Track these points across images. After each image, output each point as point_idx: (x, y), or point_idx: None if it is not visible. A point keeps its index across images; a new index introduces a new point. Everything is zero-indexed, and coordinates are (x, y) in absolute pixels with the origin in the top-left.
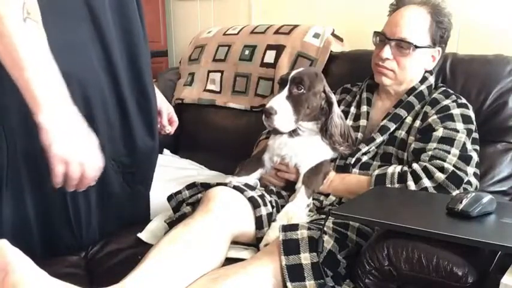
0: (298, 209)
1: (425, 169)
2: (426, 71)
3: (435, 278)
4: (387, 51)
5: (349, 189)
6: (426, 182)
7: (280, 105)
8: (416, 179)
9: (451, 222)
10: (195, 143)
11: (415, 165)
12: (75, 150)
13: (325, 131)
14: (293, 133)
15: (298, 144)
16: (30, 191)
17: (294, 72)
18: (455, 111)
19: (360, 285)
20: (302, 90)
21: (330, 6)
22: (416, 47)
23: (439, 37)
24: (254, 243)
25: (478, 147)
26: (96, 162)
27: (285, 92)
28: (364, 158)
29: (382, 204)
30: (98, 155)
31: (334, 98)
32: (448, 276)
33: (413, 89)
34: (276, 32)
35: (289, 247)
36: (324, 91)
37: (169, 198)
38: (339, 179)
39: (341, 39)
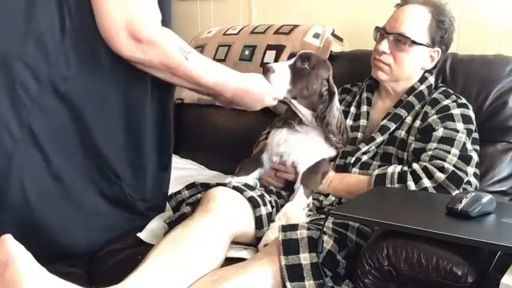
0: (297, 209)
1: (425, 169)
2: (426, 71)
3: (435, 278)
4: (384, 45)
5: (349, 189)
6: (426, 182)
7: (281, 68)
8: (416, 179)
9: (451, 222)
10: (195, 143)
11: (415, 165)
12: None
13: (322, 119)
14: (291, 129)
15: (296, 142)
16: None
17: (304, 50)
18: (456, 111)
19: (360, 285)
20: (306, 65)
21: (330, 6)
22: (413, 42)
23: (439, 37)
24: (254, 243)
25: (478, 147)
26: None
27: (290, 61)
28: (364, 158)
29: (382, 204)
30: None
31: (336, 89)
32: (447, 276)
33: (412, 88)
34: (276, 32)
35: (289, 247)
36: (328, 80)
37: (169, 198)
38: (338, 178)
39: (341, 39)
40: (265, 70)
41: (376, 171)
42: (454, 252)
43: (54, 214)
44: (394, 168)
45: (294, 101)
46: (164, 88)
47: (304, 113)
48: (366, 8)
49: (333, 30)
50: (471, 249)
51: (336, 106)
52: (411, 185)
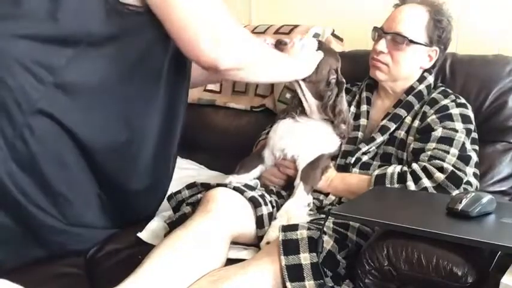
0: (297, 207)
1: (424, 169)
2: (425, 71)
3: (435, 278)
4: (382, 44)
5: (349, 189)
6: (426, 182)
7: (294, 43)
8: (416, 179)
9: (451, 222)
10: (195, 143)
11: (414, 165)
12: None
13: (333, 107)
14: (293, 119)
15: (296, 136)
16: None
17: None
18: (455, 111)
19: (360, 285)
20: (318, 50)
21: (330, 6)
22: (410, 41)
23: (437, 37)
24: (254, 243)
25: (477, 147)
26: None
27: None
28: (364, 158)
29: (382, 204)
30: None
31: (344, 80)
32: (447, 276)
33: (411, 88)
34: (276, 32)
35: (289, 247)
36: (336, 70)
37: (169, 198)
38: (339, 178)
39: (341, 39)
40: (277, 43)
41: (376, 172)
42: (454, 252)
43: (48, 219)
44: (394, 169)
45: (302, 83)
46: (169, 110)
47: (309, 100)
48: (365, 8)
49: (333, 30)
50: (471, 249)
51: (344, 96)
52: (411, 185)
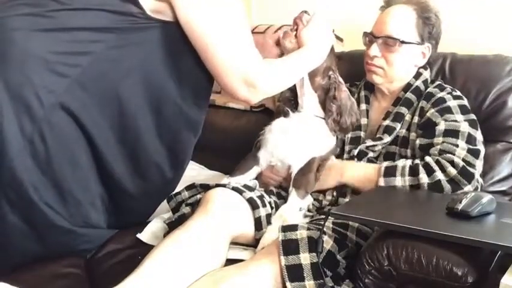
0: (291, 211)
1: (438, 162)
2: (420, 67)
3: (435, 278)
4: (374, 49)
5: (359, 178)
6: (439, 175)
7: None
8: (430, 171)
9: (451, 222)
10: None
11: (427, 158)
12: None
13: (333, 97)
14: (286, 118)
15: (289, 140)
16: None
17: None
18: (452, 103)
19: (360, 285)
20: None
21: (330, 6)
22: (402, 42)
23: (427, 33)
24: (253, 244)
25: (481, 137)
26: None
27: None
28: (370, 154)
29: (382, 204)
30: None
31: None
32: (447, 276)
33: (409, 85)
34: (276, 32)
35: (289, 247)
36: (334, 70)
37: (169, 199)
38: (348, 167)
39: (341, 39)
40: (302, 12)
41: (386, 163)
42: (454, 252)
43: (56, 218)
44: (405, 161)
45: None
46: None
47: (307, 91)
48: (365, 8)
49: (333, 30)
50: (471, 249)
51: (347, 91)
52: (423, 177)
